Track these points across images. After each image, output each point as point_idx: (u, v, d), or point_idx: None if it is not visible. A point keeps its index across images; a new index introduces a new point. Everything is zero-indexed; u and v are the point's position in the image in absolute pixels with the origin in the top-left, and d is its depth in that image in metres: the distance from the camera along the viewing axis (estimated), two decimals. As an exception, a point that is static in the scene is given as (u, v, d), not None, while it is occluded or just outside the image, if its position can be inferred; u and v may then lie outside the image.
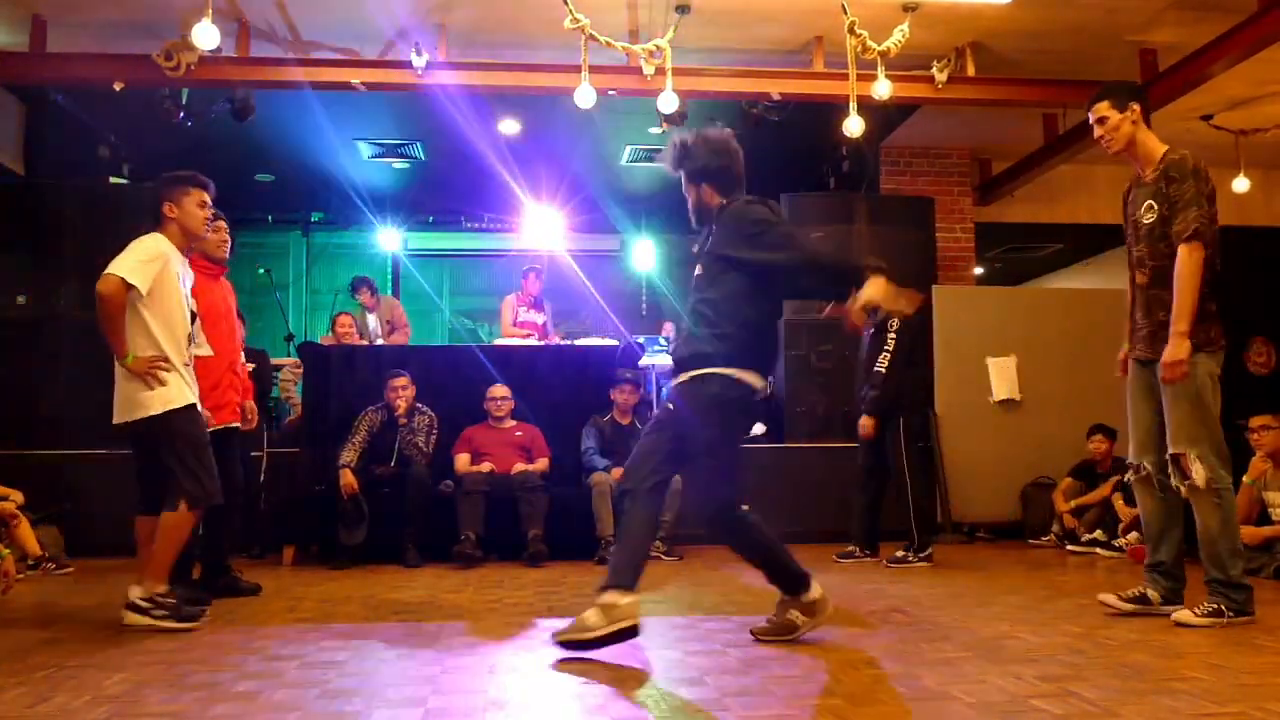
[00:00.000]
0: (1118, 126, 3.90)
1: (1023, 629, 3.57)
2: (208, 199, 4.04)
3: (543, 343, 8.16)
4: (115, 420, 3.85)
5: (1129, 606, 3.86)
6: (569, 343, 8.16)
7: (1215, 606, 3.61)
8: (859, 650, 3.20)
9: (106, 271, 3.73)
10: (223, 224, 4.54)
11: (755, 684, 2.73)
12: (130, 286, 3.75)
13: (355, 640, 3.46)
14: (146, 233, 3.94)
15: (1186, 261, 3.67)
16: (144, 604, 3.69)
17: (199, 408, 3.96)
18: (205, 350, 4.41)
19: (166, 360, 3.82)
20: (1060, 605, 4.18)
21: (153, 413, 3.78)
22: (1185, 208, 3.73)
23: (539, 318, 8.61)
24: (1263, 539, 5.27)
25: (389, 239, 11.36)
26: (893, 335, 5.87)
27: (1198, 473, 3.64)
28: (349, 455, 6.06)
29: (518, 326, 8.45)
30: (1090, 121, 4.01)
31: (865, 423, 5.90)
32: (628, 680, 2.82)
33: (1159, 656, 3.05)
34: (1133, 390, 3.95)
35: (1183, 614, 3.64)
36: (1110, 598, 3.93)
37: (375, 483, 6.03)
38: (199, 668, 3.01)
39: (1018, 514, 7.40)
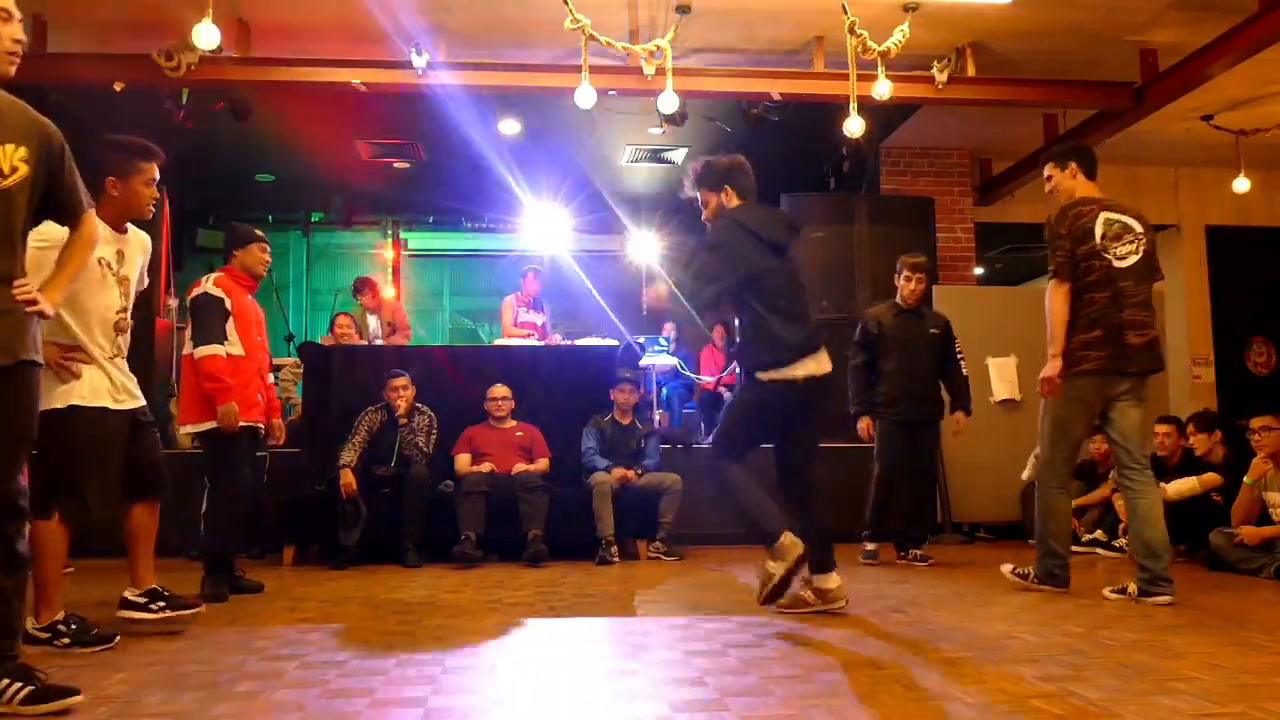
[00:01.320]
0: (1059, 185, 4.59)
1: (1023, 629, 3.57)
2: (157, 173, 3.64)
3: (542, 343, 8.16)
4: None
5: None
6: (569, 343, 8.17)
7: (1026, 570, 4.62)
8: (859, 650, 3.20)
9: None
10: (266, 244, 4.83)
11: (755, 684, 2.73)
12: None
13: (355, 640, 3.46)
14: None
15: (1051, 298, 4.42)
16: (42, 634, 3.30)
17: (115, 410, 3.49)
18: (236, 349, 4.64)
19: (80, 350, 3.39)
20: (1060, 605, 4.17)
21: (53, 406, 3.29)
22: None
23: (538, 318, 8.62)
24: (1263, 539, 5.27)
25: (389, 239, 11.37)
26: (955, 339, 5.95)
27: None
28: (349, 455, 6.06)
29: (518, 327, 8.46)
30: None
31: (966, 423, 5.91)
32: (628, 680, 2.82)
33: (1159, 657, 3.05)
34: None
35: (1005, 566, 4.77)
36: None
37: (375, 483, 6.03)
38: (199, 668, 3.01)
39: (1018, 514, 7.39)
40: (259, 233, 4.90)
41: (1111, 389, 4.34)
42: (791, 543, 3.64)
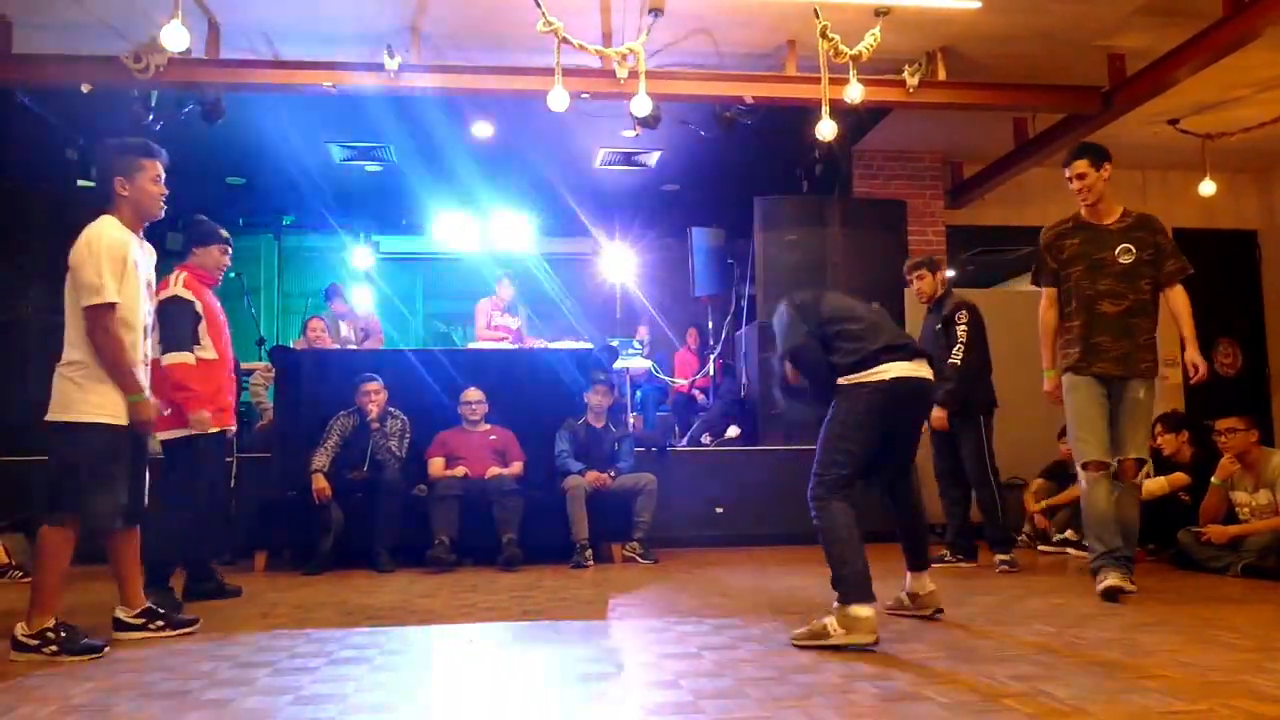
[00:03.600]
0: (1094, 184, 4.55)
1: (994, 629, 3.60)
2: (162, 170, 3.68)
3: (516, 346, 8.15)
4: (49, 418, 3.42)
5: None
6: (543, 346, 8.16)
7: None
8: (833, 651, 3.20)
9: (91, 304, 3.37)
10: (229, 248, 4.83)
11: (729, 686, 2.73)
12: (112, 307, 3.41)
13: (328, 646, 3.43)
14: (97, 215, 3.57)
15: (1186, 297, 4.51)
16: (31, 641, 3.26)
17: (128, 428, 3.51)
18: (209, 354, 4.58)
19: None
20: (1031, 605, 4.21)
21: (72, 419, 3.38)
22: (1175, 254, 4.54)
23: (513, 322, 8.61)
24: (1230, 538, 5.33)
25: (361, 242, 11.31)
26: (963, 326, 5.70)
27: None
28: (321, 460, 6.02)
29: (493, 330, 8.44)
30: (1068, 175, 4.62)
31: (940, 415, 5.62)
32: (602, 683, 2.82)
33: (1129, 655, 3.08)
34: (1091, 400, 4.49)
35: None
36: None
37: (348, 487, 6.00)
38: (169, 675, 2.98)
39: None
40: (224, 234, 4.81)
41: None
42: (867, 619, 3.26)
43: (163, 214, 3.73)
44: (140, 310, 3.59)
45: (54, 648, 3.26)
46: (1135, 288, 4.49)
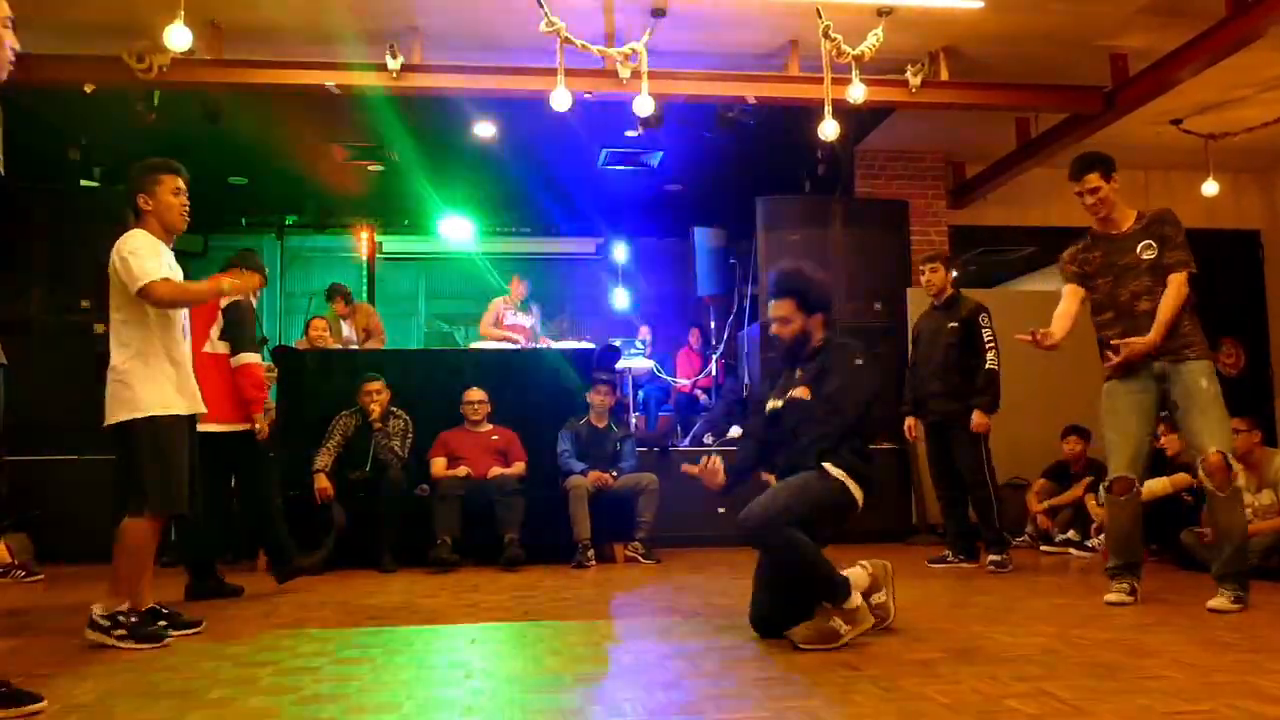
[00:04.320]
0: (1107, 197, 4.43)
1: (997, 629, 3.59)
2: (182, 184, 3.88)
3: (529, 345, 8.16)
4: (107, 422, 3.62)
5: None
6: (545, 345, 8.16)
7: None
8: (835, 652, 3.20)
9: (140, 287, 3.57)
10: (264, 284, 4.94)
11: (732, 687, 2.73)
12: (166, 280, 3.64)
13: (330, 646, 3.43)
14: (125, 230, 3.77)
15: (1179, 290, 4.25)
16: (104, 621, 3.48)
17: (183, 414, 3.72)
18: (224, 348, 4.89)
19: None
20: (1034, 605, 4.21)
21: (130, 416, 3.57)
22: (1178, 247, 4.31)
23: (526, 320, 8.61)
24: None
25: (362, 242, 11.31)
26: (989, 329, 5.65)
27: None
28: (323, 460, 6.02)
29: (505, 329, 8.45)
30: (1077, 190, 4.47)
31: (983, 422, 5.57)
32: (604, 683, 2.82)
33: (1132, 656, 3.08)
34: (1132, 410, 4.32)
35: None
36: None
37: (350, 487, 6.00)
38: (171, 675, 2.98)
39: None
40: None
41: None
42: (861, 607, 3.39)
43: (186, 225, 3.92)
44: (180, 311, 3.81)
45: (122, 631, 3.45)
46: (1165, 280, 4.30)
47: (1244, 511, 4.37)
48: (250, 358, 4.90)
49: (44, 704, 2.56)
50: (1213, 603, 4.04)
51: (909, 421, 5.93)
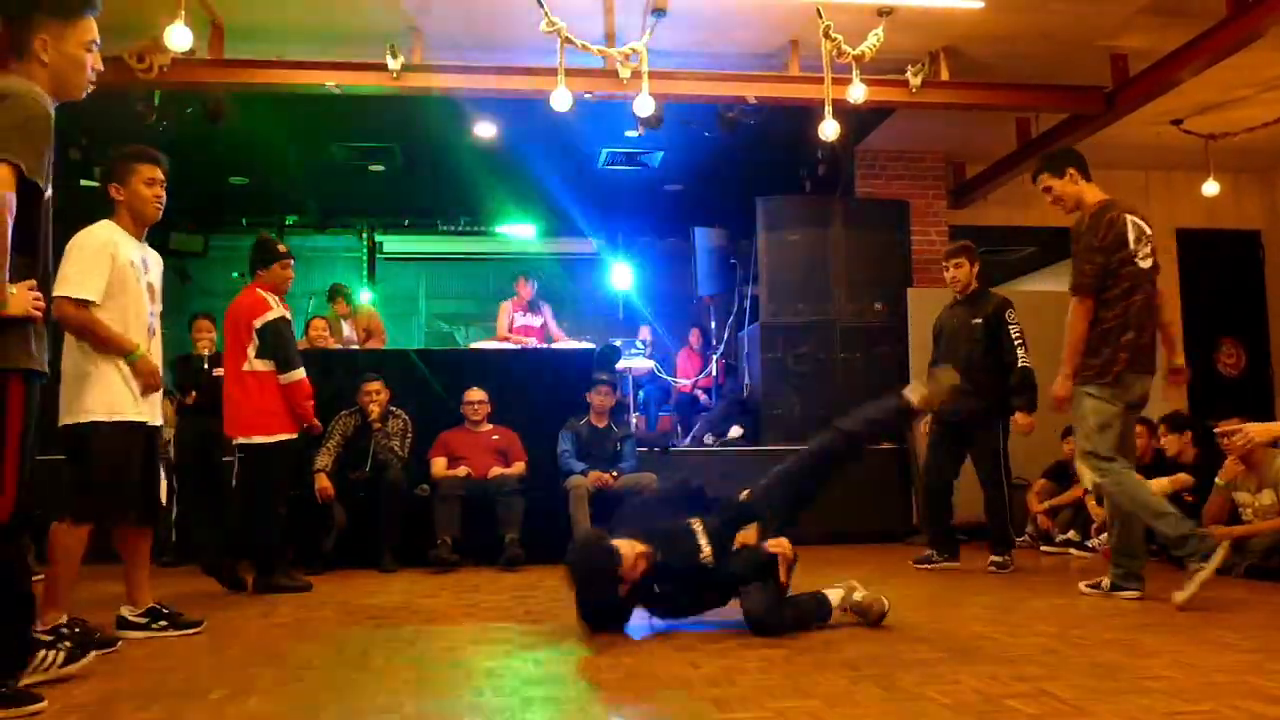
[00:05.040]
0: (1063, 193, 4.48)
1: (997, 629, 3.59)
2: (158, 175, 3.72)
3: (542, 345, 8.18)
4: (61, 422, 3.46)
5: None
6: (545, 345, 8.16)
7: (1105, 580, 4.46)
8: (836, 652, 3.20)
9: (59, 293, 3.32)
10: (289, 263, 5.14)
11: (733, 687, 2.72)
12: (85, 304, 3.42)
13: (331, 646, 3.43)
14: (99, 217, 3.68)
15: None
16: (45, 637, 3.15)
17: (136, 421, 3.56)
18: (263, 365, 4.93)
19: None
20: (1035, 605, 4.21)
21: (77, 420, 3.44)
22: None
23: (536, 320, 8.62)
24: (1233, 539, 5.31)
25: (363, 242, 11.32)
26: (1017, 325, 5.50)
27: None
28: (324, 460, 6.02)
29: (515, 331, 8.46)
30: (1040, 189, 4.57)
31: (1028, 422, 5.41)
32: (607, 685, 2.82)
33: (1132, 656, 3.08)
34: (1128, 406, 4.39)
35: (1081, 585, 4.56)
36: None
37: (350, 487, 6.00)
38: (172, 675, 2.98)
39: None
40: (281, 249, 5.17)
41: (1137, 389, 4.38)
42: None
43: (159, 216, 3.76)
44: (144, 310, 3.63)
45: (67, 644, 3.25)
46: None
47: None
48: (298, 374, 4.97)
49: (44, 704, 2.55)
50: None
51: (925, 419, 5.72)
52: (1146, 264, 4.32)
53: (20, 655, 2.64)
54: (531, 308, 8.66)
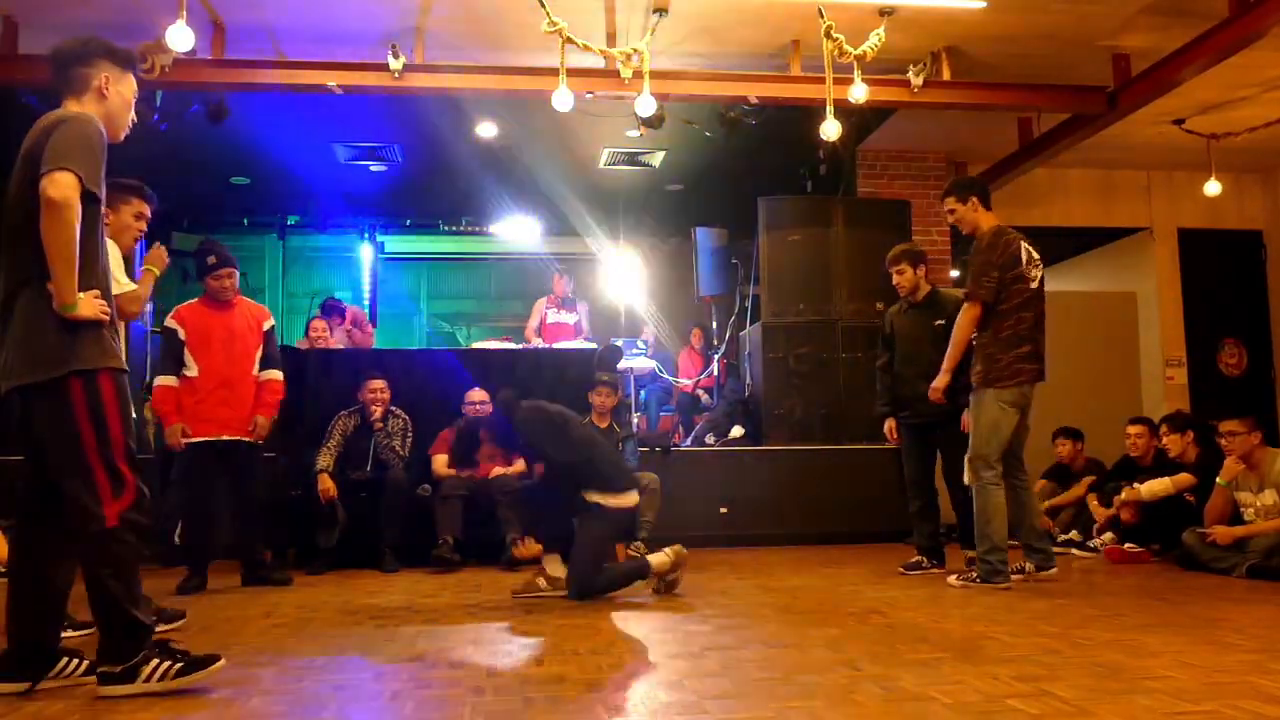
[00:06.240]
0: (963, 216, 5.08)
1: (999, 629, 3.59)
2: (146, 212, 3.94)
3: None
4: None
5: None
6: (546, 345, 8.15)
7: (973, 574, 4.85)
8: (837, 652, 3.20)
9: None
10: (221, 272, 5.18)
11: (733, 687, 2.73)
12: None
13: (332, 646, 3.43)
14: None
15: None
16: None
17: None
18: (192, 371, 5.08)
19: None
20: (1036, 605, 4.20)
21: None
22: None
23: (570, 318, 8.62)
24: (1235, 539, 5.32)
25: (365, 242, 11.32)
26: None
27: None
28: (325, 460, 6.01)
29: (548, 329, 8.46)
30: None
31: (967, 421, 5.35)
32: (605, 684, 2.82)
33: (1133, 656, 3.08)
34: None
35: (951, 578, 4.98)
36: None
37: (352, 487, 6.00)
38: (173, 675, 2.97)
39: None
40: (210, 260, 5.21)
41: (1030, 398, 4.84)
42: None
43: (133, 251, 4.03)
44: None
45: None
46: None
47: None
48: (278, 373, 5.32)
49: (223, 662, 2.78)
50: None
51: (889, 424, 5.71)
52: (1035, 285, 4.85)
53: (141, 639, 2.74)
54: (565, 305, 8.65)
